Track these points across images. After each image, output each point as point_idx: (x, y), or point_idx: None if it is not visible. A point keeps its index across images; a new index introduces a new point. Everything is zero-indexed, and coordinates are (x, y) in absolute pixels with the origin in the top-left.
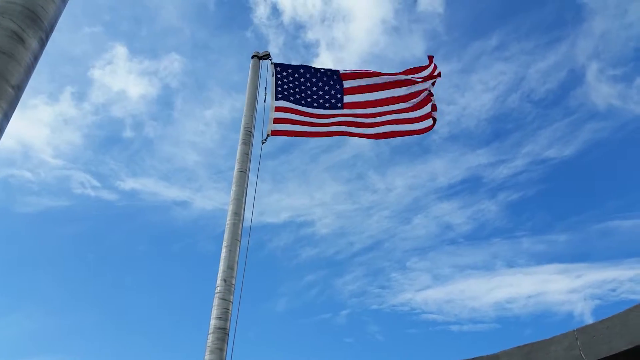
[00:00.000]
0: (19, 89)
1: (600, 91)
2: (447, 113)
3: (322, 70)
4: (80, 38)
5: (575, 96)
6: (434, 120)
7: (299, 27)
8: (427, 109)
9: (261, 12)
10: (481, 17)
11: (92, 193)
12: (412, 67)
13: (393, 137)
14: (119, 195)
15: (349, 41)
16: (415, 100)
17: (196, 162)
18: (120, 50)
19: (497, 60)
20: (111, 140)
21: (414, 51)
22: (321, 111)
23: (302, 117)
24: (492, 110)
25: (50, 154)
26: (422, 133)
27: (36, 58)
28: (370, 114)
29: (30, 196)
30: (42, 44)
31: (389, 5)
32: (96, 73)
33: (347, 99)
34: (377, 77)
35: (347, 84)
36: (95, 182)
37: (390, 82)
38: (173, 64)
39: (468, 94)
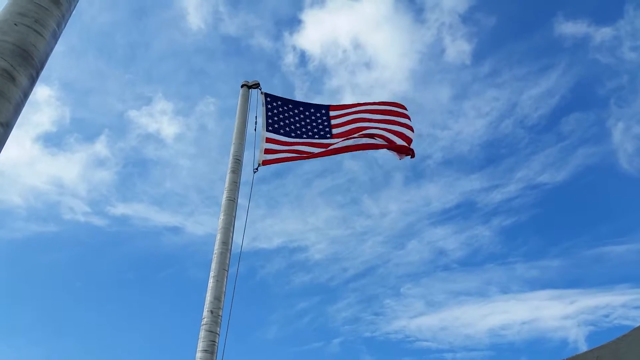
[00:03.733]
0: (8, 127)
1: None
2: (440, 138)
3: (313, 105)
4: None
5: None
6: (412, 151)
7: (324, 72)
8: (409, 133)
9: (289, 60)
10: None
11: (82, 219)
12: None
13: (373, 148)
14: (109, 221)
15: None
16: (396, 124)
17: (187, 185)
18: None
19: (489, 86)
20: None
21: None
22: (312, 140)
23: (293, 147)
24: (485, 136)
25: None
26: (400, 152)
27: (26, 95)
28: (356, 135)
29: (17, 221)
30: (33, 81)
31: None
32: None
33: (335, 130)
34: (361, 106)
35: (333, 114)
36: (86, 208)
37: (373, 110)
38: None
39: (462, 120)
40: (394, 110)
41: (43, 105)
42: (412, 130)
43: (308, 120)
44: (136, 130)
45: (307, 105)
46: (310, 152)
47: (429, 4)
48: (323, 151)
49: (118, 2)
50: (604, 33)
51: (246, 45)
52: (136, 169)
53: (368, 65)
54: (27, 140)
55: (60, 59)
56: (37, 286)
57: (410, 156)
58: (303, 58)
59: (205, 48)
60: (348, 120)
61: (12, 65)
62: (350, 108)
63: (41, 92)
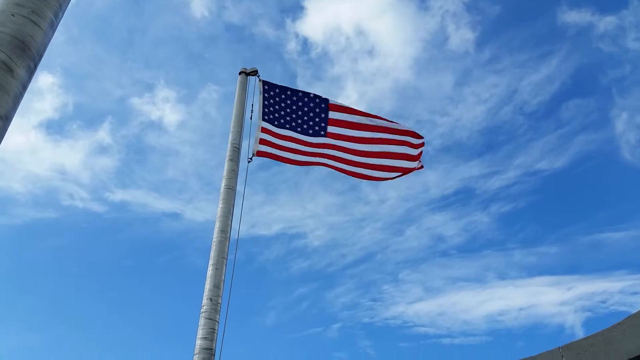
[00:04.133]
0: (7, 119)
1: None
2: (440, 125)
3: (311, 96)
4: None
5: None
6: (420, 164)
7: (326, 60)
8: (415, 161)
9: (292, 47)
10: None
11: (81, 205)
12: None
13: (374, 179)
14: (108, 207)
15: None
16: (402, 148)
17: (187, 172)
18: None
19: (489, 73)
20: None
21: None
22: (304, 137)
23: (286, 142)
24: (484, 122)
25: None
26: (405, 173)
27: (24, 87)
28: (353, 150)
29: (17, 208)
30: (31, 72)
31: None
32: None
33: (331, 129)
34: (365, 117)
35: (332, 115)
36: (84, 194)
37: (378, 126)
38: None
39: (461, 106)
40: (400, 130)
41: (46, 93)
42: (419, 156)
43: (303, 111)
44: (138, 117)
45: (305, 95)
46: (302, 154)
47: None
48: (315, 161)
49: None
50: (607, 22)
51: (249, 32)
52: (136, 156)
53: (370, 52)
54: (29, 127)
55: (63, 45)
56: (35, 272)
57: (417, 168)
58: (305, 45)
59: (208, 35)
60: (345, 125)
61: (9, 57)
62: (350, 114)
63: (43, 79)
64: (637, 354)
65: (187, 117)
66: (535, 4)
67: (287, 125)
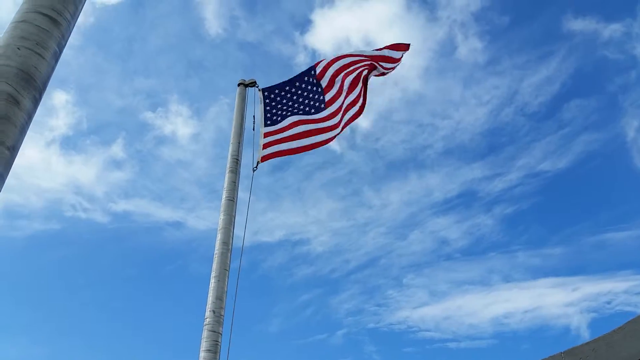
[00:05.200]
0: (14, 150)
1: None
2: (441, 128)
3: (305, 79)
4: None
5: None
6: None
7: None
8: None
9: (301, 59)
10: None
11: (84, 215)
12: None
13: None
14: (111, 217)
15: None
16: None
17: (189, 180)
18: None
19: (490, 74)
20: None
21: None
22: (308, 117)
23: (291, 130)
24: (486, 124)
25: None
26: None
27: (30, 117)
28: (347, 105)
29: (20, 220)
30: (36, 102)
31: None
32: None
33: (328, 96)
34: (347, 58)
35: (323, 82)
36: (87, 205)
37: (354, 61)
38: (222, 107)
39: (462, 109)
40: (375, 62)
41: (60, 110)
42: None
43: (300, 94)
44: (152, 131)
45: (300, 77)
46: (306, 135)
47: (441, 3)
48: (321, 140)
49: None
50: (612, 29)
51: (259, 46)
52: (146, 168)
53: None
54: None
55: (77, 60)
56: (40, 284)
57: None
58: (314, 57)
59: (217, 48)
60: (333, 74)
61: (16, 90)
62: (336, 61)
63: (58, 97)
64: (638, 357)
65: (200, 130)
66: (540, 11)
67: (289, 113)
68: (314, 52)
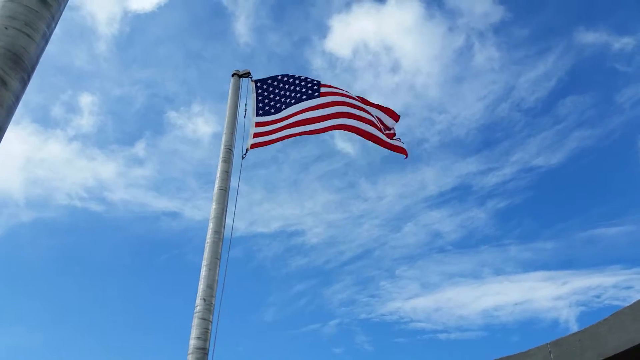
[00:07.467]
0: (1, 130)
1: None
2: (438, 122)
3: (302, 77)
4: None
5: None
6: (405, 151)
7: (351, 75)
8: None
9: (317, 64)
10: None
11: (79, 204)
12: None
13: (368, 138)
14: (107, 207)
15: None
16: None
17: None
18: None
19: (487, 70)
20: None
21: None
22: (299, 106)
23: (283, 122)
24: (482, 119)
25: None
26: (395, 150)
27: (17, 98)
28: (350, 103)
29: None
30: (24, 83)
31: None
32: None
33: (324, 89)
34: (350, 99)
35: (323, 89)
36: (83, 193)
37: (366, 101)
38: None
39: (459, 103)
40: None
41: (84, 110)
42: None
43: (296, 84)
44: (173, 131)
45: (298, 77)
46: (297, 124)
47: (458, 10)
48: (311, 129)
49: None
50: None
51: (276, 50)
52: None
53: (394, 68)
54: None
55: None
56: (34, 272)
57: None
58: (330, 63)
59: (242, 53)
60: (338, 93)
61: (3, 70)
62: (340, 90)
63: (84, 99)
64: (623, 349)
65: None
66: (554, 25)
67: (283, 106)
68: (330, 58)
